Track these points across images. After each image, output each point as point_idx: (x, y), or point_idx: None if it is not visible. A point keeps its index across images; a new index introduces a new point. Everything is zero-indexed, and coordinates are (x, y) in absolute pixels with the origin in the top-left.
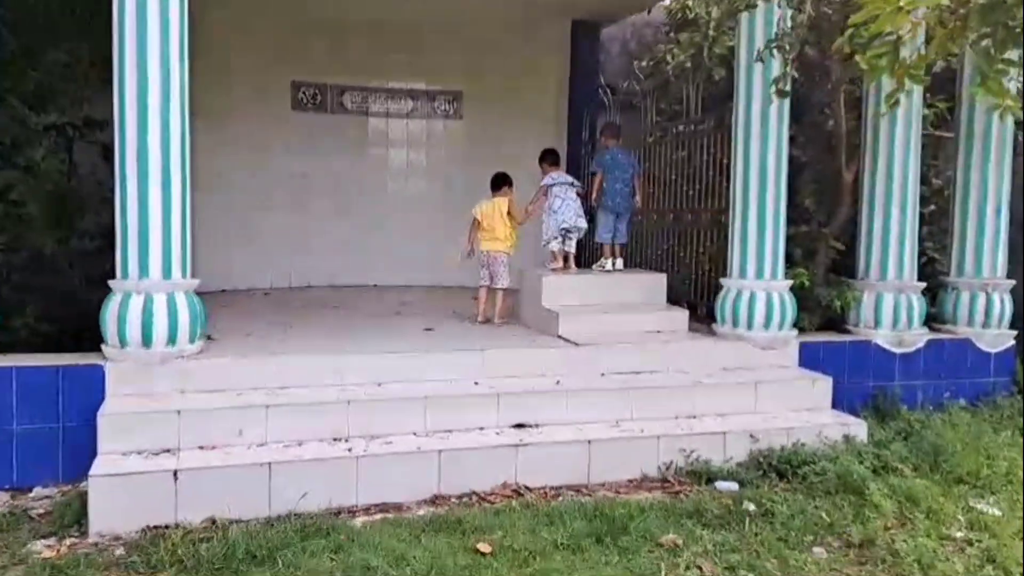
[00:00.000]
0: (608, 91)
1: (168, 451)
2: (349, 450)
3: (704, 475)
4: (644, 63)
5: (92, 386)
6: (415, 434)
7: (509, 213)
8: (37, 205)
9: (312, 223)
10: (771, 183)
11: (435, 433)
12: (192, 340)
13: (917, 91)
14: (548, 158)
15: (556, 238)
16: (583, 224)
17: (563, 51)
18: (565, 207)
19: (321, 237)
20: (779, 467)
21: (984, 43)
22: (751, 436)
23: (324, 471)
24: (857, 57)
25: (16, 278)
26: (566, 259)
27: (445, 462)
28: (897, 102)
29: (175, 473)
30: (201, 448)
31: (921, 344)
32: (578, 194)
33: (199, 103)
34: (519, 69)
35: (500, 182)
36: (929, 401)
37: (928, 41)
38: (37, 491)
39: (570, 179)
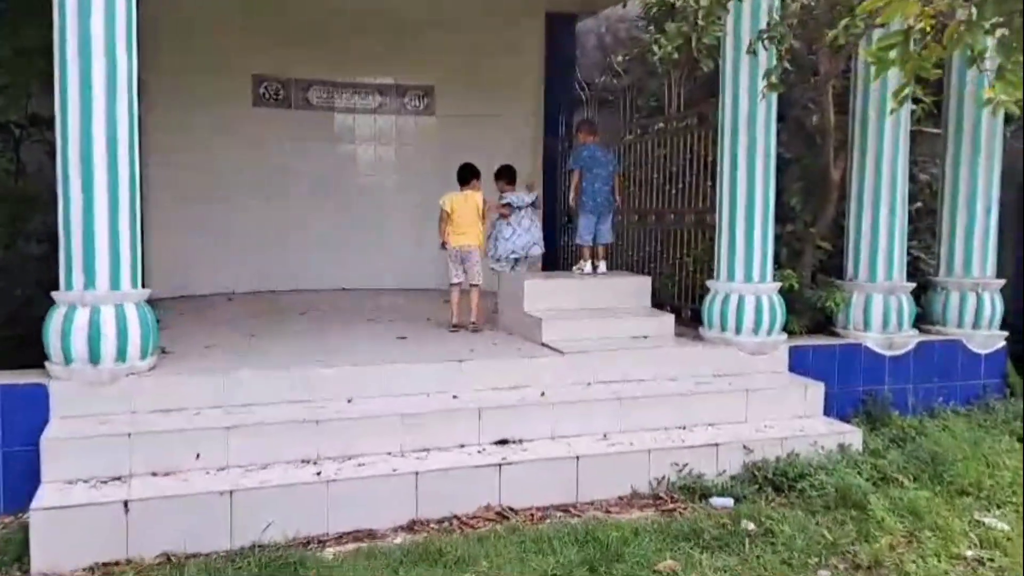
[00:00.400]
0: (585, 86)
1: (118, 479)
2: (318, 474)
3: (698, 491)
4: (622, 57)
5: (35, 407)
6: (390, 454)
7: (482, 212)
8: None
9: (277, 224)
10: (759, 182)
11: (412, 453)
12: (144, 355)
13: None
14: (505, 176)
15: (503, 260)
16: (538, 252)
17: (538, 44)
18: (516, 236)
19: (287, 239)
20: (775, 480)
21: (999, 34)
22: (744, 447)
23: (291, 498)
24: (862, 51)
25: None
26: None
27: (423, 484)
28: (906, 98)
29: (125, 504)
30: (155, 474)
31: (911, 346)
32: (534, 206)
33: (155, 98)
34: (493, 63)
35: (469, 175)
36: (920, 405)
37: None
38: None
39: (528, 200)
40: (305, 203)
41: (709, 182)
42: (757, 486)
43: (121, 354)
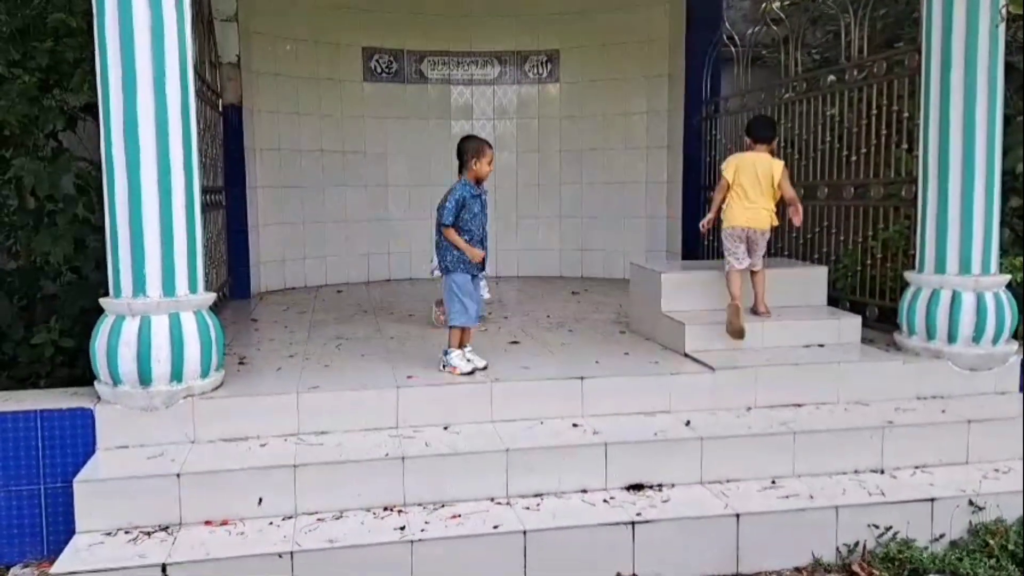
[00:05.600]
0: (734, 41)
1: (165, 529)
2: (402, 529)
3: (906, 563)
4: (778, 3)
5: (81, 436)
6: (493, 500)
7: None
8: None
9: (391, 209)
10: (980, 144)
11: (520, 498)
12: (205, 373)
13: None
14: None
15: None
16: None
17: None
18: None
19: (402, 225)
20: (1017, 553)
21: None
22: (971, 503)
23: (365, 565)
24: None
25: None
26: None
27: (533, 548)
28: None
29: (164, 568)
30: (208, 523)
31: None
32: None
33: (256, 79)
34: (624, 20)
35: (771, 129)
36: None
37: None
38: (15, 572)
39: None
40: (420, 185)
41: (906, 145)
42: (992, 559)
43: (176, 373)
